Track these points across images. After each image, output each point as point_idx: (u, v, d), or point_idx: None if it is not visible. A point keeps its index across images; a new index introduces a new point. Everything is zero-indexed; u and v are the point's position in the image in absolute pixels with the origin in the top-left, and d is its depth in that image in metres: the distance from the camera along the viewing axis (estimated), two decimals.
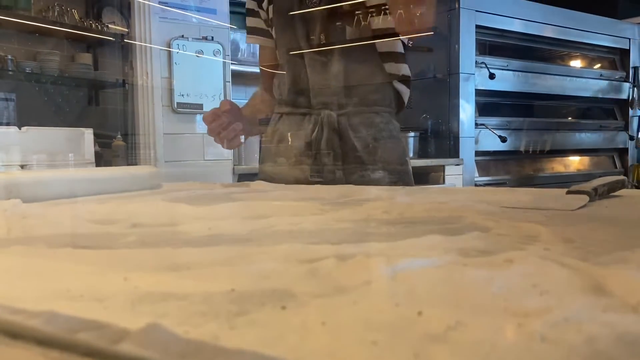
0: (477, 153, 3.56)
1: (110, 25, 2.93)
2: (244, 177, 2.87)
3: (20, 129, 2.22)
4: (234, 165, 2.94)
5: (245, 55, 3.13)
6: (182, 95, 2.76)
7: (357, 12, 1.12)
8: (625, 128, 4.50)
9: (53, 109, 2.87)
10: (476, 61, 3.47)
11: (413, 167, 1.29)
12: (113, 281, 0.31)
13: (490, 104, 3.73)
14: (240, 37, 3.15)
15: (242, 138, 1.22)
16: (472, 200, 0.71)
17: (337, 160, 1.16)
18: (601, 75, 4.38)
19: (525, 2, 3.76)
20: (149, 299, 0.27)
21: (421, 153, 3.42)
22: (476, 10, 3.44)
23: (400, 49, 1.21)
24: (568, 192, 0.70)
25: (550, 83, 3.96)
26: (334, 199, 0.75)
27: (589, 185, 0.70)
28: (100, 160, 2.63)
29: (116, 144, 2.76)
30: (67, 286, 0.30)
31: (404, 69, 1.21)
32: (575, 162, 4.28)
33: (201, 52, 2.80)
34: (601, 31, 4.23)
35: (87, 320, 0.23)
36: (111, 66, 3.01)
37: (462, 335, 0.21)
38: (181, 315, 0.25)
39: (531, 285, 0.27)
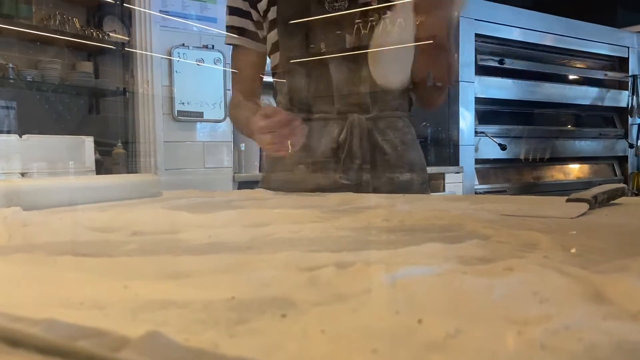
0: (477, 161, 3.57)
1: (111, 34, 2.95)
2: (244, 185, 2.88)
3: (21, 137, 2.23)
4: (234, 173, 2.95)
5: None
6: (183, 103, 2.77)
7: (384, 15, 1.10)
8: (625, 136, 4.51)
9: (54, 117, 2.88)
10: (477, 66, 3.48)
11: None
12: (113, 289, 0.31)
13: (490, 112, 3.74)
14: None
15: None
16: (472, 208, 0.71)
17: (365, 163, 1.14)
18: (601, 83, 4.39)
19: (524, 11, 3.78)
20: (149, 307, 0.27)
21: None
22: (475, 19, 3.46)
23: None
24: (568, 200, 0.70)
25: (549, 91, 3.98)
26: (334, 207, 0.75)
27: (588, 193, 0.70)
28: (101, 168, 2.63)
29: (116, 151, 2.77)
30: (67, 294, 0.30)
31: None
32: (575, 170, 4.28)
33: (202, 60, 2.81)
34: (600, 39, 4.25)
35: (87, 328, 0.23)
36: (112, 74, 3.02)
37: (462, 343, 0.21)
38: (181, 323, 0.25)
39: (531, 293, 0.27)
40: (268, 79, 1.28)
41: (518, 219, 0.60)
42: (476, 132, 3.56)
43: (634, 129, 4.50)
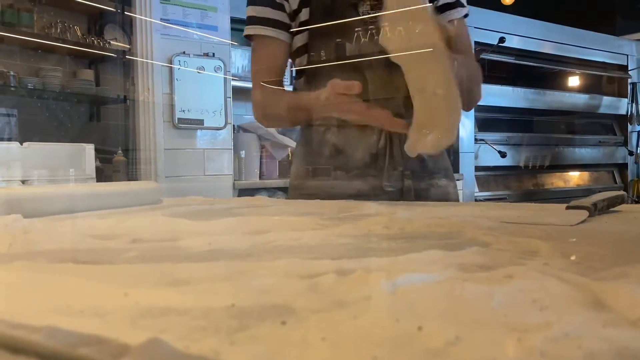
0: (477, 168, 3.57)
1: (112, 42, 2.96)
2: (244, 192, 2.88)
3: (21, 144, 2.23)
4: (234, 180, 2.95)
5: (247, 71, 3.15)
6: (183, 111, 2.78)
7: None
8: (625, 143, 4.51)
9: (55, 124, 2.88)
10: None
11: None
12: (114, 296, 0.31)
13: (490, 120, 3.74)
14: (241, 53, 3.17)
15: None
16: (472, 216, 0.71)
17: (407, 170, 1.14)
18: (600, 90, 4.40)
19: (524, 19, 3.79)
20: (149, 314, 0.27)
21: None
22: (475, 27, 3.47)
23: None
24: (568, 208, 0.70)
25: (549, 98, 3.98)
26: (334, 214, 0.75)
27: (588, 201, 0.70)
28: (101, 175, 2.63)
29: (117, 159, 2.77)
30: (68, 301, 0.30)
31: None
32: (574, 177, 4.28)
33: (202, 68, 2.82)
34: (599, 48, 4.26)
35: (88, 335, 0.23)
36: (113, 82, 3.03)
37: (462, 351, 0.21)
38: (181, 330, 0.25)
39: (531, 301, 0.27)
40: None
41: (518, 227, 0.60)
42: (476, 140, 3.57)
43: (634, 137, 4.50)
